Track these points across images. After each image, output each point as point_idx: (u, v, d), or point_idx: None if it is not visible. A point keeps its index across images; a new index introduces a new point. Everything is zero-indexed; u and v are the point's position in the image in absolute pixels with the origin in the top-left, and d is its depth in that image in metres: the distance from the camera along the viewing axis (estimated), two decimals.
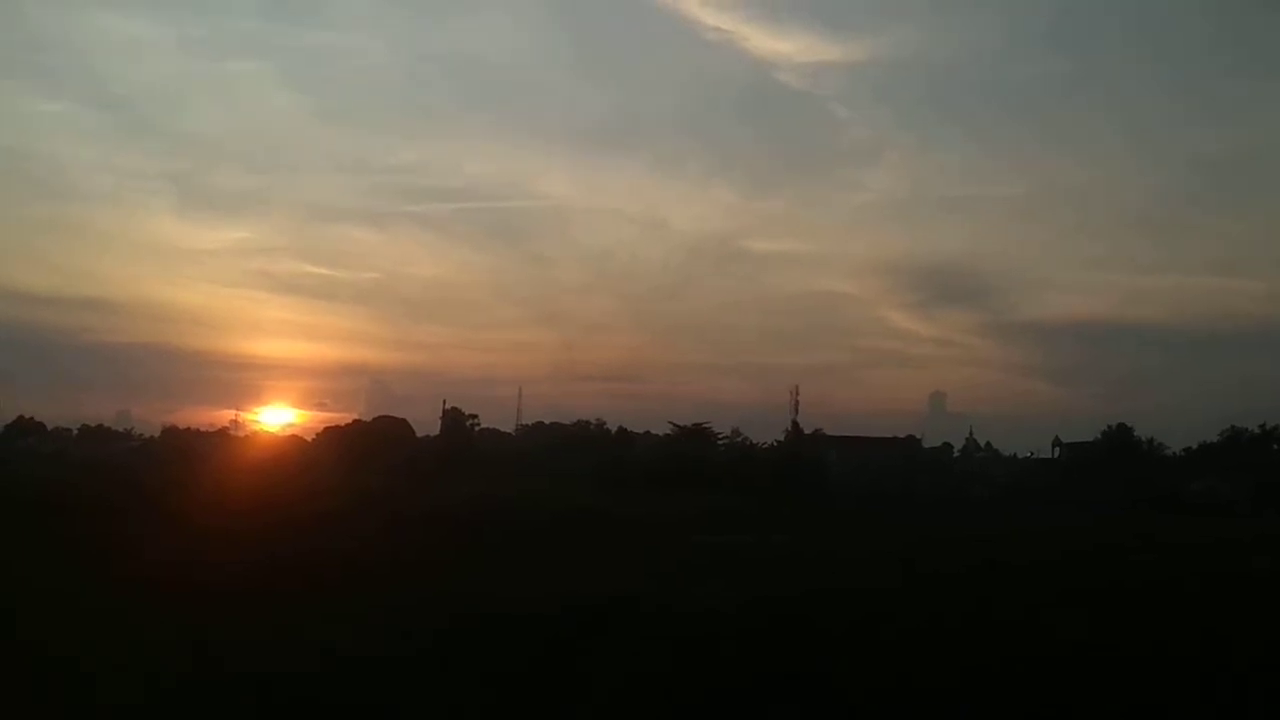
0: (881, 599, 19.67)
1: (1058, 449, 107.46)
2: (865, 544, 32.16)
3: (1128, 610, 19.34)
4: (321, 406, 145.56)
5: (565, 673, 12.53)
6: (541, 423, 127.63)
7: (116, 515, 30.91)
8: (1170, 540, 36.75)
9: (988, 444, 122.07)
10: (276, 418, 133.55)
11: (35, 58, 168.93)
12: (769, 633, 15.19)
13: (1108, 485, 72.93)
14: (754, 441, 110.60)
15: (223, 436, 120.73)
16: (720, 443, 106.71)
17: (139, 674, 11.99)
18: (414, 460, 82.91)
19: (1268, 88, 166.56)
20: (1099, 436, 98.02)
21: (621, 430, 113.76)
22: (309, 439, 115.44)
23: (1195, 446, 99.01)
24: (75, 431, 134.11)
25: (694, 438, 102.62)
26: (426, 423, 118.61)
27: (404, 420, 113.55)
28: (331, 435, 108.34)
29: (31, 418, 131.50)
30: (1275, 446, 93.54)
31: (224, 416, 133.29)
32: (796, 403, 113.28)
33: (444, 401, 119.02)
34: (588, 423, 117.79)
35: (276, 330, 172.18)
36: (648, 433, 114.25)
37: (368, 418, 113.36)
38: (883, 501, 60.24)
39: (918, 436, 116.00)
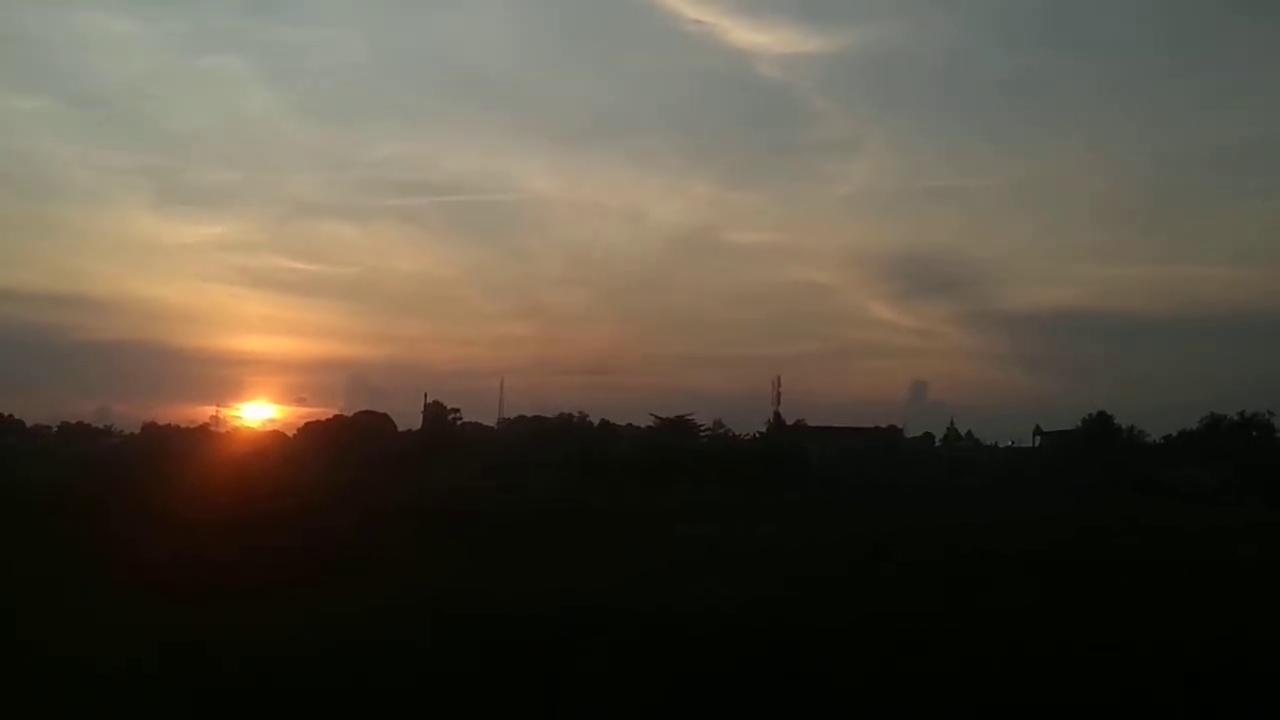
0: (877, 593, 19.64)
1: (1038, 437, 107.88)
2: (851, 534, 32.12)
3: (1121, 601, 19.33)
4: (301, 401, 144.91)
5: (563, 673, 12.43)
6: (523, 415, 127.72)
7: (104, 512, 30.69)
8: (1157, 525, 36.80)
9: (969, 433, 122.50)
10: (257, 413, 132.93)
11: (12, 54, 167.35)
12: (768, 632, 15.11)
13: (1089, 473, 73.16)
14: (736, 433, 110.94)
15: (203, 433, 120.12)
16: (702, 434, 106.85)
17: (131, 669, 11.90)
18: (395, 454, 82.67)
19: (1240, 83, 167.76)
20: (1079, 425, 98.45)
21: (604, 422, 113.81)
22: (290, 434, 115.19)
23: (1175, 434, 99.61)
24: (55, 429, 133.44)
25: (676, 429, 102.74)
26: (408, 416, 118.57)
27: (385, 415, 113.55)
28: (313, 430, 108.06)
29: (10, 415, 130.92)
30: (1254, 434, 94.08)
31: (204, 412, 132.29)
32: (778, 393, 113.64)
33: (425, 395, 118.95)
34: (570, 415, 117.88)
35: (256, 326, 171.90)
36: (630, 425, 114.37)
37: (349, 412, 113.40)
38: (867, 491, 60.24)
39: (899, 426, 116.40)
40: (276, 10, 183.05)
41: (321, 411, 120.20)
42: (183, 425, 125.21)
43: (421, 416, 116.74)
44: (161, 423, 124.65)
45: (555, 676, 12.20)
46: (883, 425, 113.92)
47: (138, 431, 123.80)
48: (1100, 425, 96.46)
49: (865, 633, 15.20)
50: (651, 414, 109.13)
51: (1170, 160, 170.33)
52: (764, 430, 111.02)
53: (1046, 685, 12.33)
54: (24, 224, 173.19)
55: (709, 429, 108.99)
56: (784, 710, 11.28)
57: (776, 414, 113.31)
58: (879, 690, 11.84)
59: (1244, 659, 13.70)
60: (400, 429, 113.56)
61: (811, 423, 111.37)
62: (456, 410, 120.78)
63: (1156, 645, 14.49)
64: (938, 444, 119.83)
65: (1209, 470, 71.30)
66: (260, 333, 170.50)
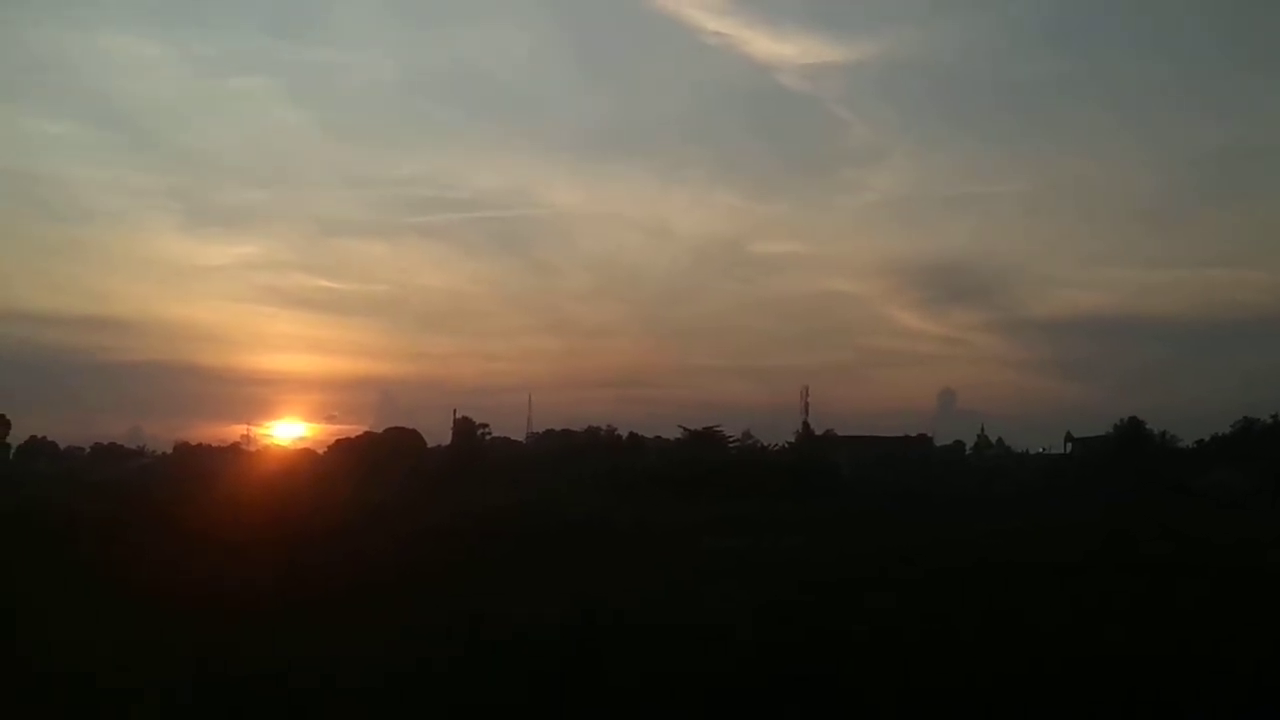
0: (896, 601, 19.63)
1: (1069, 444, 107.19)
2: (879, 545, 31.99)
3: (1148, 607, 19.24)
4: (331, 419, 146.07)
5: (577, 684, 12.51)
6: (552, 430, 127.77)
7: (128, 534, 30.81)
8: (1186, 532, 36.48)
9: (999, 440, 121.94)
10: (288, 431, 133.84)
11: (40, 78, 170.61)
12: (781, 638, 15.16)
13: (1121, 479, 72.52)
14: (765, 444, 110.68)
15: (234, 451, 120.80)
16: (731, 446, 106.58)
17: (156, 692, 12.02)
18: (426, 470, 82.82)
19: (1271, 81, 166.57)
20: (1111, 431, 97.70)
21: (632, 435, 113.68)
22: (320, 452, 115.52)
23: (1208, 439, 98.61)
24: (88, 450, 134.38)
25: (704, 441, 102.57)
26: (437, 432, 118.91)
27: (415, 431, 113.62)
28: (343, 447, 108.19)
29: (44, 437, 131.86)
30: None
31: (235, 431, 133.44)
32: (807, 404, 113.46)
33: (454, 411, 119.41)
34: (598, 428, 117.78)
35: (286, 344, 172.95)
36: (658, 437, 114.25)
37: (378, 429, 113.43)
38: (898, 500, 59.92)
39: (929, 435, 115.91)
40: (302, 32, 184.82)
41: (352, 429, 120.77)
42: (214, 444, 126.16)
43: (451, 432, 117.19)
44: (193, 442, 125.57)
45: (570, 688, 12.28)
46: (912, 434, 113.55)
47: (169, 451, 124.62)
48: (1132, 431, 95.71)
49: (879, 636, 15.22)
50: (680, 426, 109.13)
51: (1200, 163, 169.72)
52: (793, 441, 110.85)
53: (1061, 692, 12.33)
54: (54, 247, 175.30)
55: (737, 440, 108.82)
56: (795, 714, 11.35)
57: (805, 424, 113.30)
58: (891, 696, 11.88)
59: (1263, 664, 13.67)
60: (430, 445, 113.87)
61: (840, 433, 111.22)
62: (485, 425, 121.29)
63: (1179, 651, 14.45)
64: (968, 452, 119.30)
65: (1242, 474, 70.60)
66: (290, 351, 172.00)
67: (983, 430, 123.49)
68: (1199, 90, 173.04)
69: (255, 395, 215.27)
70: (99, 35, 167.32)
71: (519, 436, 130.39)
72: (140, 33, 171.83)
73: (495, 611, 17.49)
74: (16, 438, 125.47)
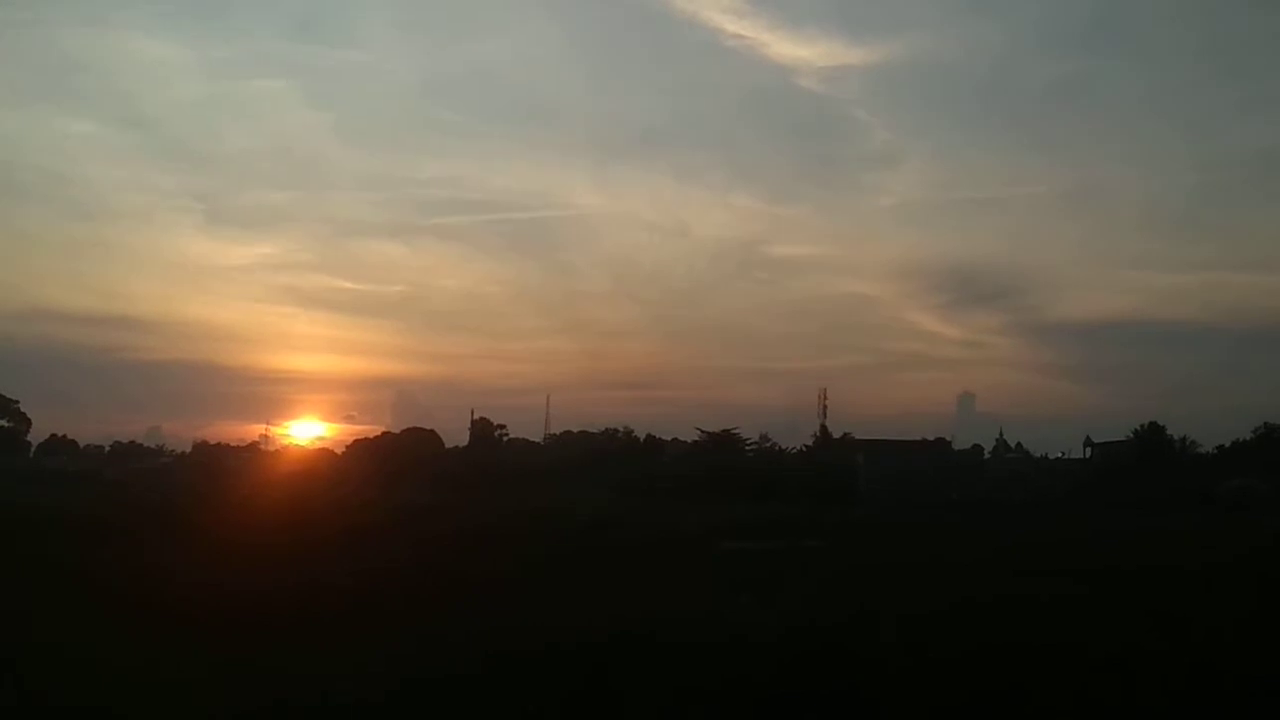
0: (919, 617, 19.32)
1: (1089, 449, 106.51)
2: (898, 550, 31.71)
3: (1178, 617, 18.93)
4: (350, 419, 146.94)
5: (590, 695, 12.29)
6: (569, 431, 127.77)
7: (141, 538, 30.65)
8: (1217, 538, 36.12)
9: (1018, 445, 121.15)
10: (306, 431, 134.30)
11: (65, 79, 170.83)
12: (800, 648, 14.88)
13: (1142, 485, 71.93)
14: (782, 446, 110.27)
15: (253, 451, 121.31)
16: (749, 448, 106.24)
17: (172, 709, 11.85)
18: (443, 473, 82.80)
19: None
20: (1130, 436, 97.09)
21: (650, 438, 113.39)
22: (339, 452, 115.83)
23: (1228, 445, 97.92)
24: (107, 449, 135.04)
25: (722, 444, 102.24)
26: (455, 433, 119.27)
27: (433, 431, 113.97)
28: (361, 448, 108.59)
29: (64, 435, 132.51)
30: None
31: (254, 431, 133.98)
32: (825, 406, 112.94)
33: (472, 412, 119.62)
34: (615, 431, 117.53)
35: (305, 344, 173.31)
36: (675, 439, 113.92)
37: (396, 429, 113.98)
38: (917, 505, 59.64)
39: (948, 439, 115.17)
40: (322, 34, 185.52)
41: (370, 429, 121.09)
42: (233, 444, 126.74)
43: (468, 433, 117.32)
44: (212, 441, 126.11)
45: (583, 700, 12.07)
46: (931, 438, 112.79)
47: (188, 450, 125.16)
48: (1152, 436, 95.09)
49: (903, 655, 14.93)
50: (697, 428, 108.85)
51: (1220, 165, 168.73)
52: (810, 444, 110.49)
53: (1079, 702, 12.08)
54: (75, 246, 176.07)
55: (755, 443, 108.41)
56: None
57: (823, 427, 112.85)
58: (914, 709, 11.65)
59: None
60: (447, 445, 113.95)
61: (859, 436, 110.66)
62: (503, 427, 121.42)
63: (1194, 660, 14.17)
64: (986, 456, 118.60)
65: (1263, 481, 70.01)
66: (308, 351, 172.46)
67: (1001, 434, 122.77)
68: (1220, 93, 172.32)
69: (274, 395, 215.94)
70: (122, 37, 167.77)
71: (536, 438, 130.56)
72: (163, 35, 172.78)
73: (511, 623, 17.31)
74: (37, 435, 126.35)
